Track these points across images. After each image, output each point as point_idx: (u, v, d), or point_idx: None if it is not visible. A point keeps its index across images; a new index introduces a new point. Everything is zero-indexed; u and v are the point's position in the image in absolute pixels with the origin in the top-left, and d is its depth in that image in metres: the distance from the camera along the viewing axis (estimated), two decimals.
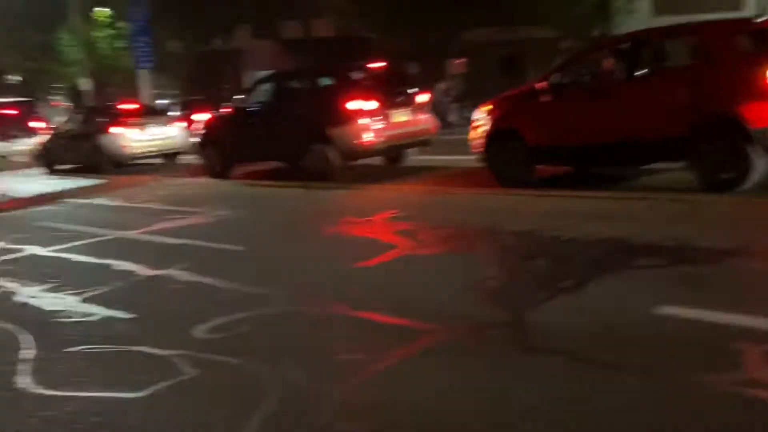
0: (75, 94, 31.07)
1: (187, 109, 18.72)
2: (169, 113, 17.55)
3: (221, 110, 14.64)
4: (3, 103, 22.79)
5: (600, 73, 9.00)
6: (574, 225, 6.32)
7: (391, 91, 11.48)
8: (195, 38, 29.47)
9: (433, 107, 13.81)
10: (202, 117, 17.22)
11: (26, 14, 29.98)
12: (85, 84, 28.32)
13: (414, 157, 12.20)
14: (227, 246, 6.83)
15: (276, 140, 11.76)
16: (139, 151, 15.75)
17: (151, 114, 17.29)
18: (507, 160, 8.91)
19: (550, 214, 7.00)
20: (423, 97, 12.13)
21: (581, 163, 8.95)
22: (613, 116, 7.93)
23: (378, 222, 7.54)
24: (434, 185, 9.87)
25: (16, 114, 21.30)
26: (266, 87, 12.82)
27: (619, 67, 8.38)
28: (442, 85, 21.29)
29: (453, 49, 21.99)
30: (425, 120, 11.91)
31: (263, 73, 15.36)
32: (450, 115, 20.46)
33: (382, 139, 10.97)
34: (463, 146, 9.86)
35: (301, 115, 11.40)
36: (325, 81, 12.18)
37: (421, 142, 11.82)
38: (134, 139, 15.71)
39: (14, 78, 35.48)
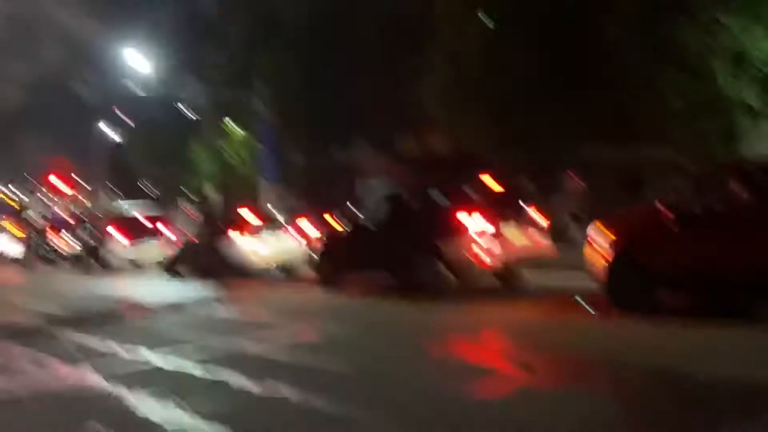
0: (203, 202, 32.89)
1: (302, 218, 19.32)
2: (285, 223, 18.18)
3: (335, 221, 15.02)
4: (136, 211, 24.36)
5: (731, 197, 8.51)
6: (701, 361, 5.85)
7: (505, 207, 11.42)
8: (314, 150, 30.85)
9: (550, 224, 13.57)
10: (311, 226, 17.75)
11: (162, 125, 32.44)
12: (212, 192, 30.00)
13: (529, 276, 11.90)
14: (335, 364, 6.77)
15: (387, 253, 11.86)
16: (257, 258, 16.29)
17: (269, 223, 17.93)
18: (627, 285, 8.48)
19: (675, 347, 6.54)
20: (538, 214, 11.96)
21: (708, 293, 8.39)
22: (745, 244, 7.45)
23: (491, 346, 7.30)
24: (550, 308, 9.52)
25: (148, 221, 22.66)
26: (379, 199, 13.10)
27: (751, 192, 7.91)
28: (559, 201, 21.00)
29: (570, 164, 21.81)
30: (540, 238, 11.69)
31: (376, 185, 15.73)
32: (568, 232, 20.04)
33: (494, 256, 10.84)
34: (581, 266, 9.51)
35: (412, 228, 11.49)
36: (438, 195, 12.29)
37: (536, 260, 11.56)
38: (253, 247, 16.29)
39: (149, 186, 38.10)
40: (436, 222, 11.25)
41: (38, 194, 68.65)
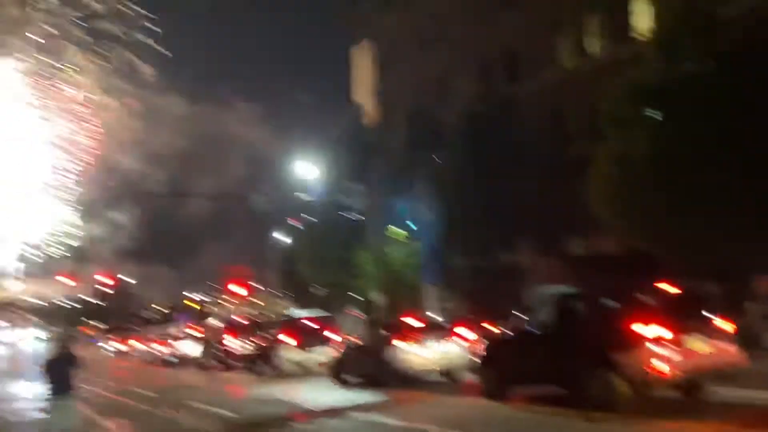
0: (368, 307, 33.42)
1: (464, 322, 18.97)
2: (447, 327, 17.92)
3: (499, 326, 14.57)
4: (305, 315, 25.10)
5: None
6: None
7: (686, 314, 10.48)
8: (477, 252, 30.62)
9: (742, 332, 12.25)
10: (474, 331, 17.32)
11: (328, 230, 33.74)
12: (377, 297, 30.40)
13: (717, 390, 10.71)
14: None
15: (556, 363, 11.23)
16: (420, 366, 16.06)
17: (433, 329, 17.72)
18: None
19: None
20: (725, 322, 10.86)
21: None
22: None
23: None
24: (739, 424, 8.43)
25: (316, 325, 23.20)
26: (547, 305, 12.54)
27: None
28: (752, 307, 19.18)
29: (762, 265, 19.95)
30: (729, 347, 10.57)
31: (544, 291, 15.15)
32: (763, 341, 18.14)
33: (675, 367, 9.88)
34: None
35: (583, 337, 10.84)
36: (610, 302, 11.53)
37: (724, 372, 10.41)
38: (416, 353, 16.10)
39: (319, 290, 39.43)
40: (608, 329, 10.53)
41: (218, 299, 73.66)
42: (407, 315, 19.42)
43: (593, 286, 12.29)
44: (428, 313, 24.63)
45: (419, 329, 17.14)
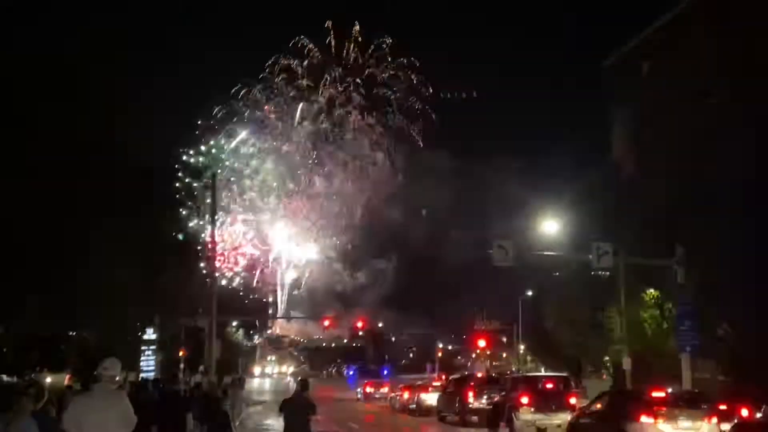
0: (615, 373, 31.34)
1: (724, 402, 16.81)
2: (703, 406, 15.97)
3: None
4: (543, 375, 24.21)
5: None
6: None
7: None
8: (742, 322, 27.37)
9: None
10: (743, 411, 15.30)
11: (579, 291, 32.40)
12: (626, 363, 28.40)
13: None
14: None
15: None
16: None
17: (688, 405, 15.92)
18: None
19: None
20: None
21: None
22: None
23: None
24: None
25: (554, 386, 22.26)
26: None
27: None
28: None
29: None
30: None
31: None
32: None
33: None
34: None
35: None
36: None
37: None
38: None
39: (564, 350, 37.86)
40: None
41: (462, 350, 74.41)
42: (658, 386, 17.79)
43: None
44: (681, 387, 22.44)
45: (671, 403, 15.68)
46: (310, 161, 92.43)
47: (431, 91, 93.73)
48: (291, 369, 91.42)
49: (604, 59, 39.54)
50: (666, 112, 33.51)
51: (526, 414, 21.11)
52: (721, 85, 30.35)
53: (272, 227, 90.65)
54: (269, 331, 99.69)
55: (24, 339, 21.77)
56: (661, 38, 34.93)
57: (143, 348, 26.85)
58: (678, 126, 32.19)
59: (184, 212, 72.30)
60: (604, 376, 35.78)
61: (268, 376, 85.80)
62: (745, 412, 17.20)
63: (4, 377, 21.46)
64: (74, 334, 24.29)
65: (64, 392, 16.96)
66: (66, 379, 25.03)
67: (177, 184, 72.86)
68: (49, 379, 23.32)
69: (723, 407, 16.45)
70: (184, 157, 76.91)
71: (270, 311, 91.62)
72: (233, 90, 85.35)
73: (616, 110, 38.75)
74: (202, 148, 79.53)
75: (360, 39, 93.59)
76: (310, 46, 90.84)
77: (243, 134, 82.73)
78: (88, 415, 6.75)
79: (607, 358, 34.50)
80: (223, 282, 68.42)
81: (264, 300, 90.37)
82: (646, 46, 36.12)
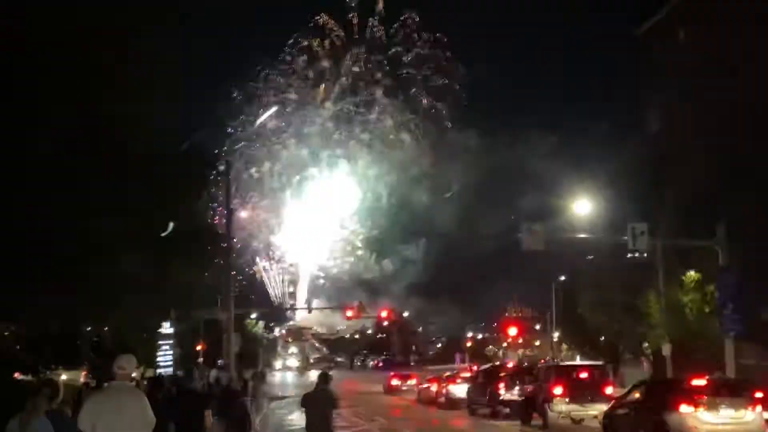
0: (655, 359, 29.99)
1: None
2: (747, 393, 14.78)
3: None
4: (578, 364, 23.06)
5: None
6: None
7: None
8: None
9: None
10: None
11: (615, 275, 30.92)
12: (666, 349, 27.04)
13: None
14: None
15: None
16: None
17: (730, 392, 14.81)
18: None
19: None
20: None
21: None
22: None
23: None
24: None
25: (589, 375, 21.09)
26: None
27: None
28: None
29: None
30: None
31: None
32: None
33: None
34: None
35: None
36: None
37: None
38: (705, 421, 13.47)
39: (601, 337, 36.52)
40: None
41: (493, 339, 72.43)
42: (699, 373, 16.61)
43: None
44: (724, 373, 21.14)
45: (712, 392, 14.60)
46: (333, 143, 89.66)
47: (459, 68, 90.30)
48: (313, 361, 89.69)
49: (638, 26, 37.56)
50: (703, 82, 31.66)
51: (560, 405, 20.03)
52: (761, 53, 28.55)
53: (292, 214, 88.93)
54: (290, 323, 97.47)
55: (37, 336, 21.22)
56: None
57: (160, 342, 26.32)
58: (716, 97, 30.39)
59: (201, 201, 71.87)
60: (644, 364, 34.29)
61: (289, 369, 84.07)
62: None
63: (20, 375, 20.92)
64: (89, 329, 23.71)
65: (80, 389, 16.49)
66: (82, 375, 24.60)
67: (193, 172, 72.65)
68: (64, 377, 22.85)
69: (759, 394, 15.22)
70: (202, 143, 76.79)
71: (291, 302, 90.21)
72: (253, 71, 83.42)
73: (650, 81, 36.94)
74: (227, 130, 78.09)
75: (383, 15, 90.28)
76: (331, 23, 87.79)
77: (271, 111, 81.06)
78: (102, 416, 6.36)
79: (646, 344, 32.99)
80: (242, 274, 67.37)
81: (282, 292, 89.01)
82: (681, 10, 34.13)
